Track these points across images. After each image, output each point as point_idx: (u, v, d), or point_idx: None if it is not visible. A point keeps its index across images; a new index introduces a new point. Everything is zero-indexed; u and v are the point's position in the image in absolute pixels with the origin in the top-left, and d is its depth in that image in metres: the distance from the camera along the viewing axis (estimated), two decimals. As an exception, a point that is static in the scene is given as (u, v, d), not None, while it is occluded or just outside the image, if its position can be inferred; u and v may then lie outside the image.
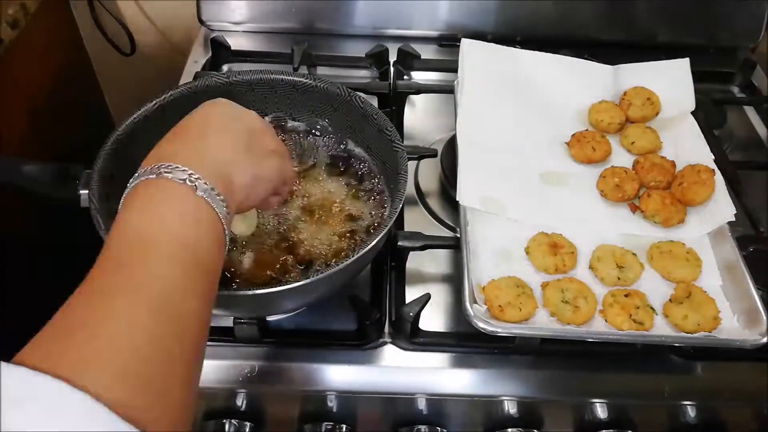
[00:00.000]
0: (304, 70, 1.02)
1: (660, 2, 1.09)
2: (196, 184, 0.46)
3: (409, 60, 1.05)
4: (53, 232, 1.04)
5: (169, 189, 0.45)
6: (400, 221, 0.82)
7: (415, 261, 0.78)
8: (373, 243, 0.63)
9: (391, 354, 0.71)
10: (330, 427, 0.71)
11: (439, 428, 0.72)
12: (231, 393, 0.70)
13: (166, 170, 0.46)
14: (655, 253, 0.74)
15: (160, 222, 0.44)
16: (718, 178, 0.78)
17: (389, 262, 0.77)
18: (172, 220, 0.44)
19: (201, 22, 1.13)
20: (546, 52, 0.94)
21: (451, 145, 0.87)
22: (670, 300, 0.69)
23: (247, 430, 0.71)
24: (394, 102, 0.97)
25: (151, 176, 0.46)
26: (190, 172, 0.46)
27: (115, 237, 0.43)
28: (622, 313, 0.67)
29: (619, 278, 0.71)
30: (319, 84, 0.78)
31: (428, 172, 0.91)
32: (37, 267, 1.05)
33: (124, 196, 0.47)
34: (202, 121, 0.53)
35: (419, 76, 1.06)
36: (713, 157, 0.81)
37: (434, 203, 0.87)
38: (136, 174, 0.47)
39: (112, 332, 0.37)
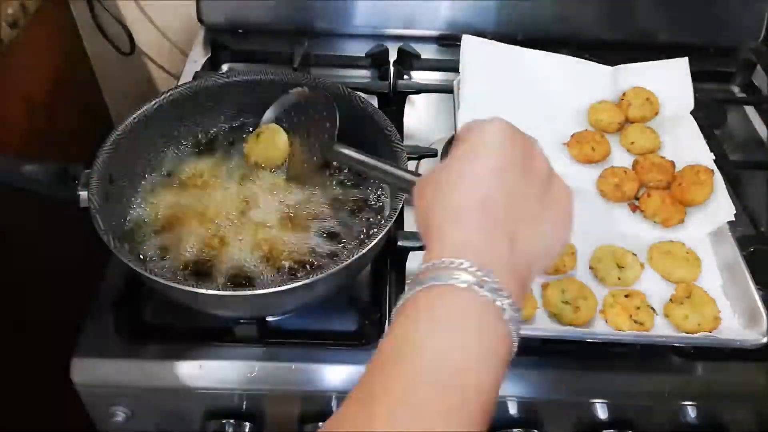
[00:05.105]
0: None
1: (660, 2, 1.09)
2: (501, 304, 0.37)
3: (409, 60, 1.05)
4: (53, 232, 1.04)
5: (464, 305, 0.37)
6: (400, 221, 0.82)
7: (415, 261, 0.78)
8: (373, 243, 0.63)
9: (391, 354, 0.71)
10: (330, 427, 0.71)
11: (439, 428, 0.72)
12: (231, 393, 0.70)
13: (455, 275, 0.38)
14: (655, 253, 0.74)
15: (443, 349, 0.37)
16: (718, 177, 0.78)
17: (389, 262, 0.77)
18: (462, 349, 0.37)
19: (201, 21, 1.12)
20: (546, 51, 0.94)
21: (451, 144, 0.86)
22: (670, 300, 0.69)
23: (247, 430, 0.71)
24: (394, 102, 0.97)
25: (438, 282, 0.38)
26: (498, 287, 0.37)
27: (387, 350, 0.38)
28: (623, 314, 0.67)
29: (619, 278, 0.71)
30: (319, 84, 0.78)
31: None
32: (37, 267, 1.05)
33: (405, 299, 0.40)
34: (486, 177, 0.42)
35: (419, 76, 1.06)
36: (713, 156, 0.81)
37: (434, 203, 0.87)
38: (421, 272, 0.40)
39: None
